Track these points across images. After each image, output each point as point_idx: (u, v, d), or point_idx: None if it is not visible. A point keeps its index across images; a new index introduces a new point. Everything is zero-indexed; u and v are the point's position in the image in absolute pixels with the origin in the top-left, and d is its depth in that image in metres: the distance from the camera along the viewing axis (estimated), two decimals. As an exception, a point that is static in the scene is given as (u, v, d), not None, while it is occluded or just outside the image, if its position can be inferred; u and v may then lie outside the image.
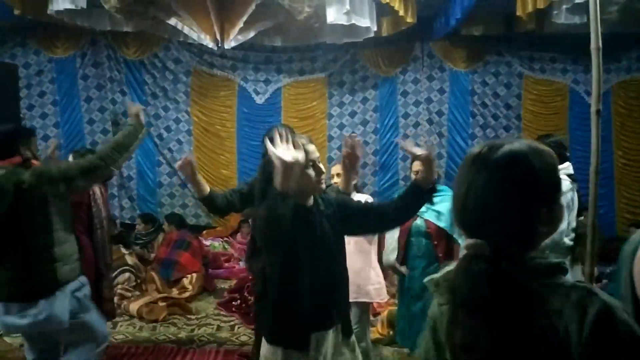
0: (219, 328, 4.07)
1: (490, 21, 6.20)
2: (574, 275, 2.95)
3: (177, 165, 2.32)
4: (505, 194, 0.94)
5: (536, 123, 7.12)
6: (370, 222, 2.08)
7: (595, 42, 2.73)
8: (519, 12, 5.14)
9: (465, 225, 1.00)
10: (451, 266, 1.02)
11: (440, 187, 2.35)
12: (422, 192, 1.99)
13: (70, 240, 2.46)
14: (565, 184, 2.95)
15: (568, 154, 3.28)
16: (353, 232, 2.25)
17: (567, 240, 3.02)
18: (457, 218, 1.01)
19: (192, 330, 3.96)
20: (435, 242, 2.97)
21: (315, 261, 1.80)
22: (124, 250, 4.95)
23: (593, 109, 2.71)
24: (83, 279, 2.50)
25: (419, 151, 2.01)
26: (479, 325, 0.89)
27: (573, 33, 5.40)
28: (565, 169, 3.06)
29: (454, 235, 2.97)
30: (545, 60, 7.05)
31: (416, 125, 7.32)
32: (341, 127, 7.36)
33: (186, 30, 5.41)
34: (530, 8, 4.99)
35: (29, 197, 2.29)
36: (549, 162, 1.01)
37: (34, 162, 2.50)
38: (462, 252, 1.05)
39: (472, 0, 4.88)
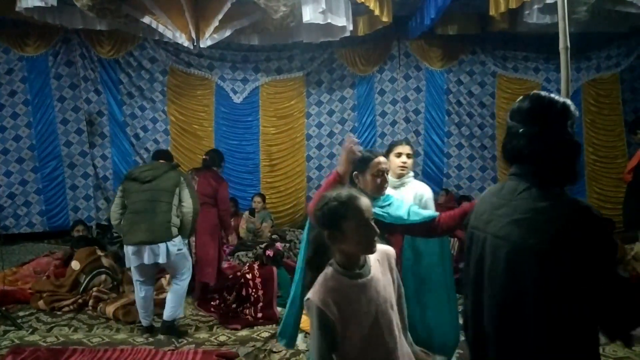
0: (197, 328, 4.04)
1: (464, 21, 6.31)
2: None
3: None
4: None
5: (510, 121, 7.25)
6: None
7: (563, 42, 2.80)
8: (492, 12, 5.24)
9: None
10: None
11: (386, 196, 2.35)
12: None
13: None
14: None
15: None
16: None
17: None
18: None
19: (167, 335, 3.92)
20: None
21: None
22: (99, 252, 4.88)
23: (561, 107, 2.79)
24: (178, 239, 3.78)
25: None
26: None
27: (545, 32, 5.53)
28: None
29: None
30: (518, 60, 7.21)
31: (393, 123, 7.40)
32: (319, 125, 7.39)
33: (161, 28, 5.35)
34: (502, 8, 5.08)
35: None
36: None
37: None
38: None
39: (446, 0, 4.95)
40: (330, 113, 7.38)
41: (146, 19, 5.27)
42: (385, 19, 5.40)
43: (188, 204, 3.82)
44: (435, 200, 7.29)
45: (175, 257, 3.76)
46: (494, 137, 7.30)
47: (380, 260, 1.62)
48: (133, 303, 4.05)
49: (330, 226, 1.53)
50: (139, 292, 3.86)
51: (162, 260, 3.69)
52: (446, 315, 2.62)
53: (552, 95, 1.44)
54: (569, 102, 1.43)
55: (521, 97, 1.47)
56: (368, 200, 1.58)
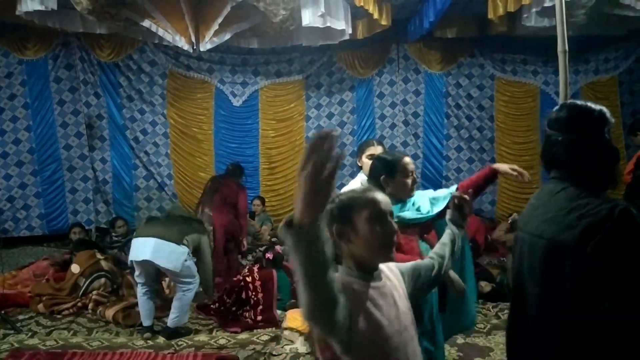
0: (196, 332, 4.04)
1: (463, 24, 6.33)
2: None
3: None
4: None
5: (508, 124, 7.28)
6: None
7: (561, 45, 2.82)
8: (490, 15, 5.26)
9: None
10: None
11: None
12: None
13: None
14: None
15: None
16: None
17: None
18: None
19: (170, 339, 3.91)
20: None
21: None
22: (99, 256, 4.87)
23: (560, 110, 2.80)
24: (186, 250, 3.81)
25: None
26: None
27: (543, 35, 5.56)
28: None
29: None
30: (516, 62, 7.23)
31: (392, 126, 7.41)
32: (319, 128, 7.39)
33: (161, 32, 5.37)
34: (501, 11, 5.11)
35: None
36: None
37: None
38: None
39: (445, 3, 4.97)
40: (330, 116, 7.39)
41: (146, 23, 5.29)
42: (384, 22, 5.43)
43: (208, 260, 4.07)
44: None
45: (182, 265, 3.74)
46: (492, 140, 7.32)
47: (390, 273, 1.42)
48: (133, 306, 4.05)
49: (340, 219, 1.30)
50: (139, 293, 3.88)
51: (165, 261, 3.69)
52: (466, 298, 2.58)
53: (589, 103, 1.50)
54: (605, 109, 1.48)
55: (558, 106, 1.54)
56: (386, 196, 1.39)
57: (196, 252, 3.96)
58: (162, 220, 4.11)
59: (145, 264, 3.76)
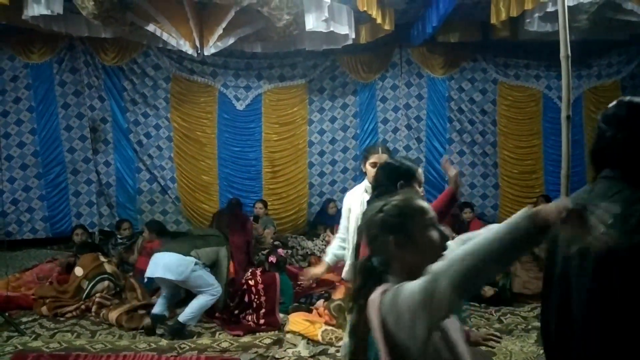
0: (199, 334, 4.05)
1: (465, 29, 6.35)
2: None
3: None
4: None
5: (511, 128, 7.29)
6: None
7: (564, 50, 2.83)
8: (493, 20, 5.28)
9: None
10: None
11: None
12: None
13: None
14: None
15: None
16: None
17: None
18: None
19: (173, 338, 3.93)
20: None
21: None
22: (102, 259, 4.89)
23: (563, 114, 2.79)
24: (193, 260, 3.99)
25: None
26: None
27: (546, 40, 5.57)
28: None
29: None
30: (519, 67, 7.24)
31: (395, 130, 7.43)
32: (322, 132, 7.42)
33: (165, 36, 5.40)
34: (504, 16, 5.13)
35: None
36: None
37: None
38: None
39: (448, 8, 5.00)
40: (333, 120, 7.41)
41: (150, 27, 5.33)
42: (387, 27, 5.45)
43: (222, 271, 4.27)
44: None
45: (189, 275, 3.95)
46: (495, 144, 7.32)
47: None
48: (136, 309, 4.07)
49: (396, 229, 1.30)
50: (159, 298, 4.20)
51: (171, 274, 3.92)
52: None
53: None
54: None
55: (614, 103, 1.49)
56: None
57: (214, 264, 4.20)
58: (179, 238, 4.58)
59: (160, 280, 4.06)
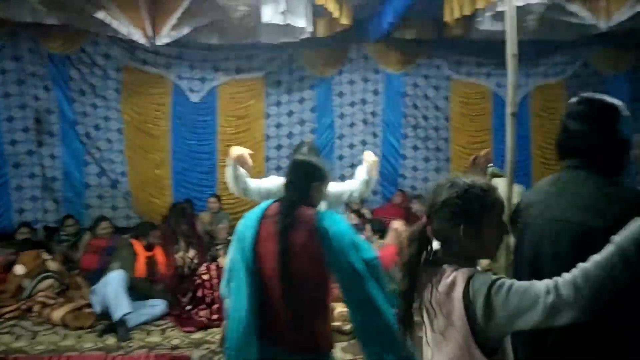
0: (149, 332, 3.94)
1: (421, 26, 6.45)
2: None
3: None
4: None
5: (463, 124, 7.48)
6: None
7: (511, 49, 2.92)
8: (446, 18, 5.39)
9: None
10: None
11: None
12: None
13: None
14: None
15: None
16: None
17: None
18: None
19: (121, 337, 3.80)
20: None
21: None
22: (45, 256, 4.67)
23: (508, 111, 2.90)
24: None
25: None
26: None
27: (496, 39, 5.70)
28: None
29: None
30: (471, 65, 7.43)
31: (352, 125, 7.47)
32: (278, 126, 7.36)
33: (115, 24, 5.20)
34: (456, 14, 5.25)
35: None
36: None
37: None
38: None
39: (404, 4, 5.06)
40: (290, 114, 7.37)
41: (99, 14, 5.12)
42: (344, 21, 5.46)
43: None
44: (391, 200, 7.45)
45: None
46: (448, 139, 7.50)
47: None
48: (82, 307, 3.91)
49: (468, 219, 1.29)
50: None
51: None
52: None
53: (604, 97, 1.59)
54: (617, 102, 1.57)
55: (576, 99, 1.63)
56: None
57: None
58: None
59: None
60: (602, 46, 7.20)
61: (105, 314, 3.97)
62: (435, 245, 1.40)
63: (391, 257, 2.05)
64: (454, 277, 1.27)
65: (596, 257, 1.14)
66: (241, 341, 1.95)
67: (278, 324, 1.96)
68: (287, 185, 2.15)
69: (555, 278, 1.16)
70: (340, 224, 2.04)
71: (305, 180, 2.13)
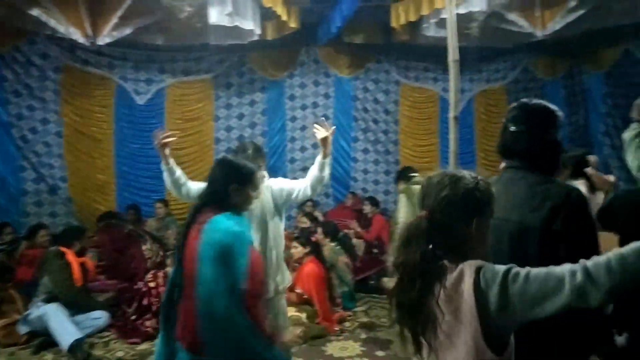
0: (91, 345, 3.77)
1: (369, 31, 6.56)
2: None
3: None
4: None
5: (411, 127, 7.67)
6: None
7: (452, 55, 3.02)
8: (393, 24, 5.51)
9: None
10: None
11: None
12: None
13: None
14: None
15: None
16: None
17: None
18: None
19: (59, 352, 3.61)
20: None
21: None
22: (-22, 267, 4.37)
23: (451, 115, 3.01)
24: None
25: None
26: None
27: (442, 45, 5.87)
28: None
29: None
30: (419, 70, 7.63)
31: (303, 128, 7.47)
32: (228, 129, 7.26)
33: (52, 23, 4.95)
34: (402, 20, 5.38)
35: None
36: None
37: None
38: None
39: (351, 9, 5.12)
40: (240, 117, 7.28)
41: (34, 12, 4.85)
42: (292, 24, 5.46)
43: None
44: (343, 202, 7.50)
45: None
46: (397, 142, 7.66)
47: None
48: (14, 323, 3.68)
49: (480, 212, 1.29)
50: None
51: None
52: None
53: (542, 102, 1.71)
54: (552, 107, 1.69)
55: (516, 104, 1.74)
56: None
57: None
58: None
59: None
60: (540, 53, 7.59)
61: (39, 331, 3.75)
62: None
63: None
64: (460, 270, 1.23)
65: (636, 245, 1.10)
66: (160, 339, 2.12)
67: (181, 322, 1.98)
68: (207, 186, 2.10)
69: (582, 260, 1.14)
70: (219, 232, 1.91)
71: (223, 181, 2.04)
